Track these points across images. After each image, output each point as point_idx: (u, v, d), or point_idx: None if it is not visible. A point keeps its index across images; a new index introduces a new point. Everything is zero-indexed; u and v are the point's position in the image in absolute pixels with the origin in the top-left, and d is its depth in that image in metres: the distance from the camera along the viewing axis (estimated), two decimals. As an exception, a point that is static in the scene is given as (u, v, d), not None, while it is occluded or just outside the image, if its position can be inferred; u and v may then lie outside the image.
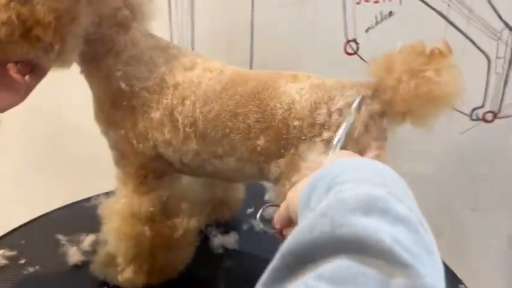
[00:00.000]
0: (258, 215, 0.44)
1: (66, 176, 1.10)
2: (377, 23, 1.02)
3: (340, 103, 0.57)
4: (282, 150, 0.58)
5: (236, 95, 0.59)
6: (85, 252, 0.76)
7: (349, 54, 1.06)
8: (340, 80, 0.60)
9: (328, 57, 1.07)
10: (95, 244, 0.77)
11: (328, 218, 0.26)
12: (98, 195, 0.72)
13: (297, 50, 1.07)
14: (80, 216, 0.86)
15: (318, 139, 0.56)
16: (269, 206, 0.45)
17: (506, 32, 0.96)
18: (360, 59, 1.05)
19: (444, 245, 0.36)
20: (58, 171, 1.11)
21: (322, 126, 0.56)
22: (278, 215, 0.42)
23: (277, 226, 0.42)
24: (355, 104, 0.54)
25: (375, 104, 0.56)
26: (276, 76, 0.61)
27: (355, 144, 0.54)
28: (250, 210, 0.89)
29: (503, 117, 1.01)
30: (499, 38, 0.96)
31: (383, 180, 0.30)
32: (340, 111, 0.56)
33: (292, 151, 0.57)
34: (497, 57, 0.98)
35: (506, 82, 0.98)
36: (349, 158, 0.39)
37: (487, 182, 1.05)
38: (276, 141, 0.58)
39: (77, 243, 0.78)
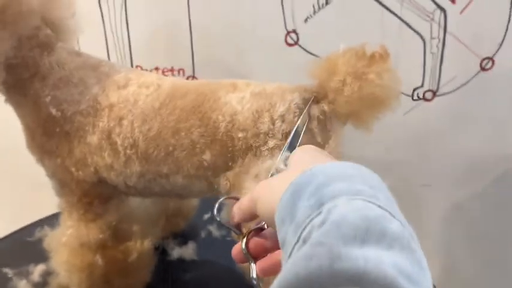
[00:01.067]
0: (215, 208, 0.41)
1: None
2: (315, 12, 1.02)
3: (281, 109, 0.56)
4: (230, 163, 0.57)
5: (176, 109, 0.57)
6: (36, 284, 0.72)
7: (290, 45, 1.05)
8: (281, 85, 0.59)
9: (269, 49, 1.06)
10: (46, 274, 0.73)
11: (325, 248, 0.24)
12: (42, 227, 0.68)
13: (238, 44, 1.06)
14: (25, 245, 0.82)
15: (263, 148, 0.55)
16: (227, 198, 0.42)
17: (438, 12, 0.98)
18: (301, 49, 1.05)
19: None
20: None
21: (267, 134, 0.55)
22: (239, 209, 0.38)
23: (236, 220, 0.38)
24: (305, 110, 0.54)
25: (317, 107, 0.56)
26: (216, 86, 0.59)
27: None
28: (206, 216, 0.88)
29: (441, 94, 1.05)
30: (432, 19, 0.99)
31: (373, 191, 0.29)
32: (283, 118, 0.56)
33: (239, 162, 0.56)
34: (432, 38, 1.00)
35: (441, 61, 1.01)
36: (326, 160, 0.36)
37: (433, 157, 1.09)
38: (223, 154, 0.56)
39: (26, 275, 0.74)
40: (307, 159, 0.36)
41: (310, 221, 0.27)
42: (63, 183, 0.60)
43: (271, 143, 0.55)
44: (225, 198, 0.43)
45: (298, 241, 0.27)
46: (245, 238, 0.38)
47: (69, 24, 0.63)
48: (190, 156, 0.57)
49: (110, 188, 0.61)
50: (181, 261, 0.77)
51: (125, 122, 0.57)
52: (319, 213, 0.27)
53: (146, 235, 0.65)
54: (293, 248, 0.27)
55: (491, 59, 1.00)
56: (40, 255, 0.74)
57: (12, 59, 0.56)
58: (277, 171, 0.43)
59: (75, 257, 0.60)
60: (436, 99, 1.05)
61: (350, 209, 0.26)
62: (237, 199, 0.40)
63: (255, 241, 0.37)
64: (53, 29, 0.61)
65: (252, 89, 0.58)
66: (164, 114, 0.57)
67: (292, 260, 0.25)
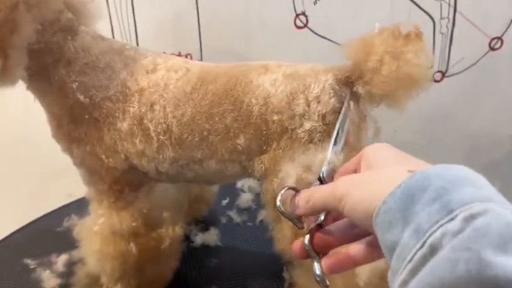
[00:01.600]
0: (278, 200, 0.40)
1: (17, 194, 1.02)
2: (324, -7, 1.01)
3: (316, 90, 0.55)
4: (264, 147, 0.56)
5: (208, 94, 0.56)
6: (60, 274, 0.71)
7: (299, 28, 1.04)
8: (313, 66, 0.58)
9: (278, 33, 1.05)
10: (70, 264, 0.72)
11: (472, 253, 0.24)
12: (70, 216, 0.67)
13: (247, 27, 1.04)
14: (45, 234, 0.80)
15: (299, 130, 0.55)
16: (288, 189, 0.39)
17: (448, -9, 0.98)
18: (310, 31, 1.04)
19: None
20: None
21: (302, 116, 0.55)
22: (308, 202, 0.36)
23: (301, 213, 0.37)
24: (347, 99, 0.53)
25: (351, 88, 0.56)
26: (246, 69, 0.58)
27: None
28: (225, 202, 0.87)
29: (450, 75, 1.06)
30: (442, -1, 0.99)
31: (499, 197, 0.28)
32: (318, 99, 0.55)
33: (274, 146, 0.56)
34: (441, 18, 1.00)
35: (451, 41, 1.02)
36: (413, 160, 0.35)
37: (441, 138, 1.10)
38: (257, 138, 0.56)
39: (49, 265, 0.73)
40: (392, 158, 0.35)
41: (440, 226, 0.27)
42: (92, 171, 0.59)
43: (307, 124, 0.55)
44: (287, 189, 0.41)
45: (422, 246, 0.26)
46: (308, 234, 0.37)
47: (90, 8, 0.61)
48: (225, 140, 0.56)
49: (140, 175, 0.60)
50: (205, 247, 0.77)
51: (157, 107, 0.56)
52: (451, 219, 0.26)
53: (176, 222, 0.64)
54: (415, 253, 0.27)
55: (500, 38, 1.01)
56: (61, 244, 0.73)
57: (35, 44, 0.54)
58: (331, 165, 0.42)
59: (108, 245, 0.59)
60: (445, 80, 1.06)
61: (491, 216, 0.26)
62: (297, 191, 0.39)
63: (319, 237, 0.36)
64: (74, 13, 0.59)
65: (284, 70, 0.57)
66: (196, 99, 0.56)
67: (432, 264, 0.25)
